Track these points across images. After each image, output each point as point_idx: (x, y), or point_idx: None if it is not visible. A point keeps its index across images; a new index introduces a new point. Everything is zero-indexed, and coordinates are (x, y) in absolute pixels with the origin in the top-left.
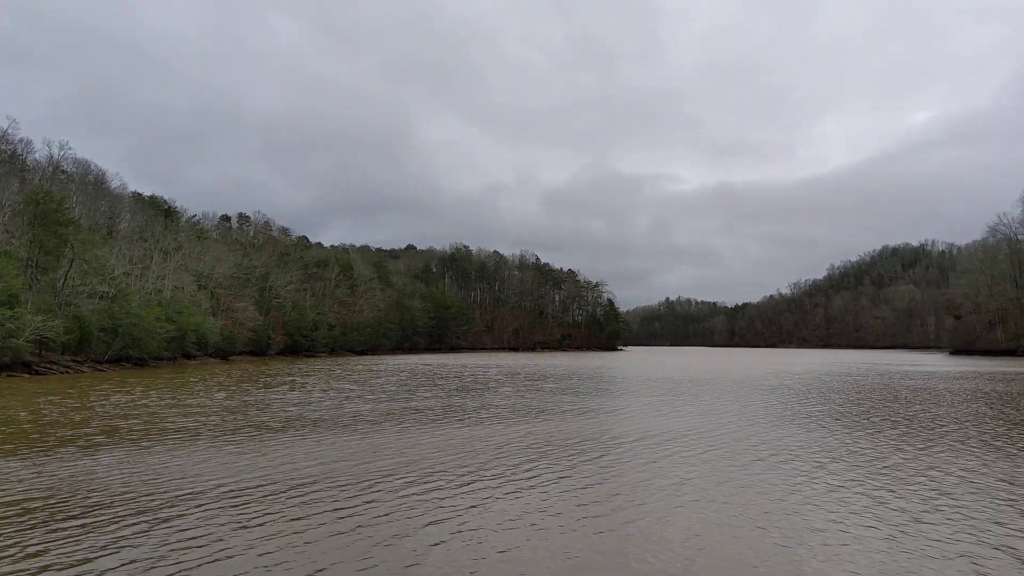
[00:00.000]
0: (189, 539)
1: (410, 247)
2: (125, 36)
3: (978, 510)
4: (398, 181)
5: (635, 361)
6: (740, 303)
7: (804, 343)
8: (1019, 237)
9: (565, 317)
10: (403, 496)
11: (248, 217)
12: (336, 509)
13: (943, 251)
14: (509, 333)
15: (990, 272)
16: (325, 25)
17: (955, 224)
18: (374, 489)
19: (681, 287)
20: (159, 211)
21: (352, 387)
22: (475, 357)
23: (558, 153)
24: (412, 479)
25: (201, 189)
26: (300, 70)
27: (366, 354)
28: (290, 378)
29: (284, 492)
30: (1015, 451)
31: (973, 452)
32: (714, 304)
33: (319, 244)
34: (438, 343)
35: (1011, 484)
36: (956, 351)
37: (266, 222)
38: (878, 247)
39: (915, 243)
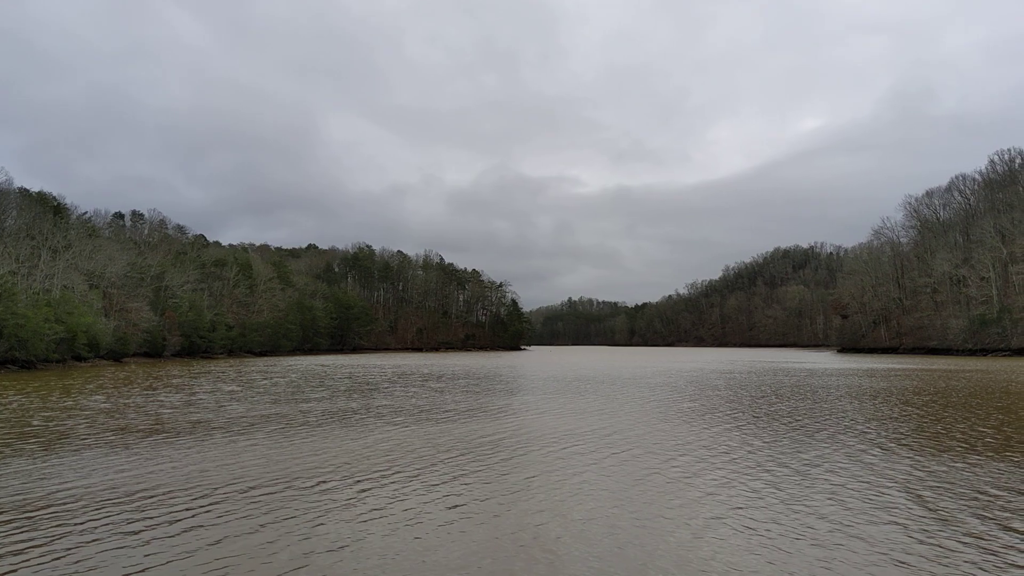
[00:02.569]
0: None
1: (312, 246)
2: (14, 29)
3: (805, 497)
4: (301, 180)
5: (537, 361)
6: (640, 303)
7: (701, 342)
8: (901, 240)
9: (469, 317)
10: (265, 504)
11: (143, 215)
12: (174, 521)
13: (831, 253)
14: (413, 333)
15: (874, 273)
16: (227, 23)
17: (842, 227)
18: (229, 499)
19: (583, 287)
20: (47, 208)
21: (238, 389)
22: (377, 358)
23: (463, 154)
24: (275, 487)
25: (98, 188)
26: (202, 68)
27: (266, 355)
28: (178, 380)
29: (116, 502)
30: (852, 441)
31: (819, 444)
32: (615, 304)
33: (217, 243)
34: (340, 344)
35: (833, 473)
36: (843, 349)
37: (161, 220)
38: (770, 249)
39: (805, 245)
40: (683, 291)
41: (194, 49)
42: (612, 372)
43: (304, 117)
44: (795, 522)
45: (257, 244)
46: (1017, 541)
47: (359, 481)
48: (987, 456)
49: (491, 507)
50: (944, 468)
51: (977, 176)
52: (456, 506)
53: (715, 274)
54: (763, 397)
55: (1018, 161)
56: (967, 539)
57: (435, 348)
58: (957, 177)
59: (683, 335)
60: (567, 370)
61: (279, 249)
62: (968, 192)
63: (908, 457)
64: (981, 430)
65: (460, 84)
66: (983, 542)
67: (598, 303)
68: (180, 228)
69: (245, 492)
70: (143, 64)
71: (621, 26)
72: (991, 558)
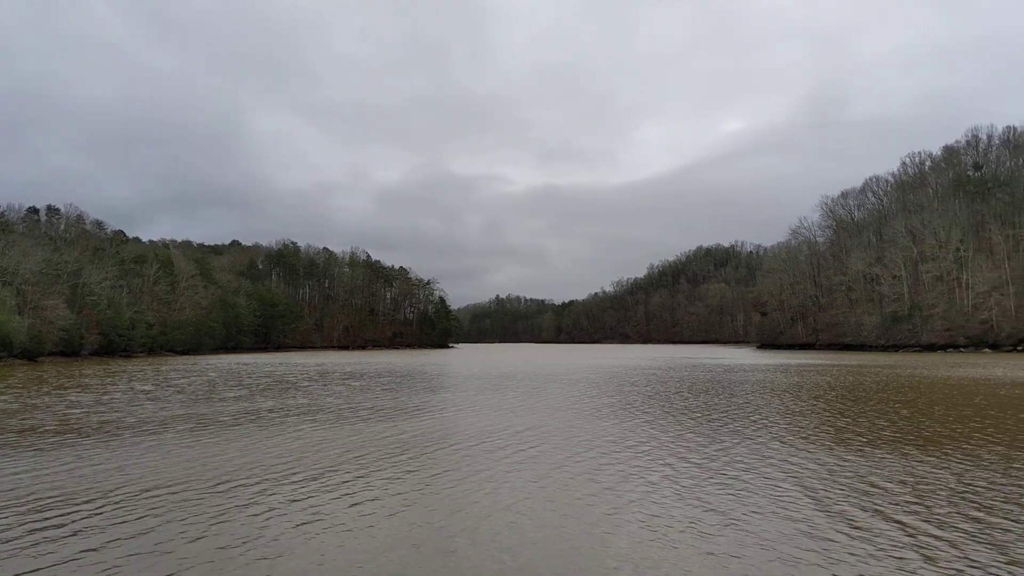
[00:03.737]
0: None
1: (235, 243)
2: None
3: (699, 490)
4: (226, 176)
5: (463, 358)
6: (567, 301)
7: (626, 339)
8: (818, 239)
9: (397, 315)
10: (162, 505)
11: (59, 210)
12: (62, 525)
13: (751, 252)
14: (339, 331)
15: (792, 272)
16: (152, 15)
17: (762, 227)
18: (126, 501)
19: (511, 285)
20: None
21: (153, 388)
22: (301, 356)
23: (392, 152)
24: (175, 488)
25: (16, 182)
26: (125, 60)
27: (188, 354)
28: (92, 379)
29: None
30: (757, 435)
31: (723, 438)
32: (542, 302)
33: (137, 239)
34: (265, 342)
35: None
36: (762, 345)
37: (79, 216)
38: (693, 247)
39: (726, 244)
40: (609, 289)
41: (117, 41)
42: (536, 369)
43: (230, 111)
44: (685, 515)
45: (179, 240)
46: (899, 533)
47: (260, 482)
48: (883, 449)
49: (392, 505)
50: (840, 462)
51: (890, 178)
52: (356, 504)
53: (640, 272)
54: (677, 393)
55: (928, 164)
56: (852, 531)
57: (362, 346)
58: (871, 179)
59: (609, 332)
60: (491, 367)
61: (202, 246)
62: (881, 193)
63: (804, 450)
64: (881, 424)
65: (389, 81)
66: (866, 534)
67: (526, 301)
68: (99, 224)
69: (142, 493)
70: (64, 55)
71: (549, 26)
72: (871, 549)
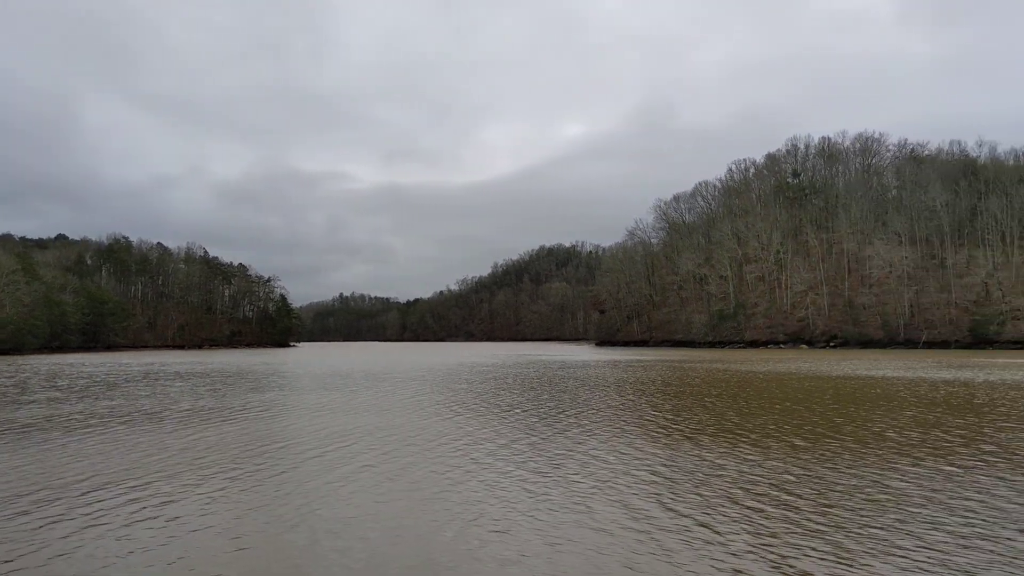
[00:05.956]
0: None
1: (61, 237)
2: None
3: (499, 485)
4: (52, 167)
5: (302, 357)
6: (412, 299)
7: (471, 336)
8: (652, 241)
9: (235, 313)
10: None
11: None
12: None
13: (591, 252)
14: (174, 330)
15: (628, 271)
16: None
17: (601, 228)
18: None
19: (356, 283)
20: None
21: None
22: (131, 356)
23: (232, 146)
24: None
25: None
26: None
27: (8, 354)
28: None
29: None
30: (573, 432)
31: (541, 431)
32: (387, 300)
33: None
34: (94, 341)
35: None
36: (601, 342)
37: None
38: (536, 247)
39: (567, 244)
40: (454, 287)
41: None
42: (372, 368)
43: (58, 100)
44: (468, 511)
45: None
46: (671, 523)
47: (40, 490)
48: (678, 440)
49: (193, 518)
50: (640, 453)
51: (717, 183)
52: (174, 517)
53: (485, 271)
54: (507, 389)
55: (752, 170)
56: (627, 521)
57: (198, 345)
58: (700, 183)
59: (454, 330)
60: (328, 366)
61: (24, 240)
62: (710, 197)
63: (608, 443)
64: (686, 416)
65: (228, 73)
66: (642, 523)
67: (370, 299)
68: None
69: None
70: None
71: (393, 25)
72: (640, 537)
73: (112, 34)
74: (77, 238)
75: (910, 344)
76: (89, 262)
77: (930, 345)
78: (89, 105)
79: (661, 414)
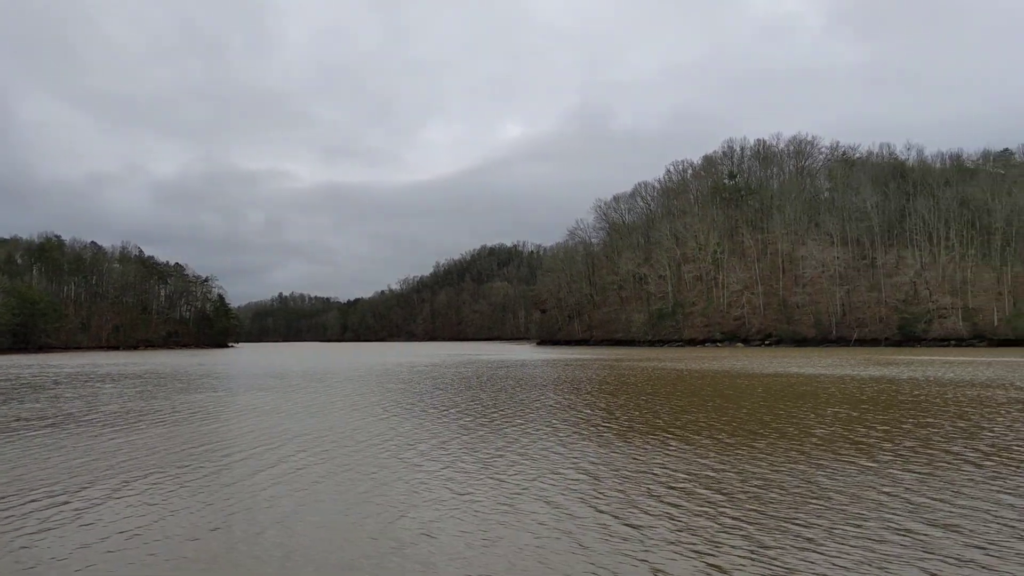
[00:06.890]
0: None
1: None
2: None
3: (424, 486)
4: None
5: (240, 358)
6: (353, 299)
7: (413, 336)
8: (593, 240)
9: (172, 313)
10: None
11: None
12: None
13: (532, 251)
14: (109, 331)
15: (569, 271)
16: None
17: (542, 228)
18: None
19: (295, 283)
20: None
21: None
22: (62, 357)
23: (168, 144)
24: None
25: None
26: None
27: None
28: None
29: None
30: (508, 430)
31: (477, 430)
32: (328, 300)
33: None
34: (25, 343)
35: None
36: (542, 341)
37: None
38: (477, 247)
39: (509, 244)
40: (396, 287)
41: None
42: (310, 368)
43: None
44: (392, 512)
45: None
46: (592, 520)
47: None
48: (608, 439)
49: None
50: (568, 450)
51: (656, 184)
52: (88, 524)
53: (426, 270)
54: (440, 390)
55: (690, 172)
56: (547, 515)
57: (134, 346)
58: (639, 184)
59: (395, 330)
60: (265, 367)
61: None
62: (649, 198)
63: (540, 440)
64: (618, 414)
65: (164, 70)
66: (564, 520)
67: (310, 299)
68: None
69: None
70: None
71: (331, 24)
72: (572, 535)
73: (48, 28)
74: (7, 236)
75: (842, 342)
76: (19, 261)
77: (861, 343)
78: (24, 100)
79: (595, 413)
